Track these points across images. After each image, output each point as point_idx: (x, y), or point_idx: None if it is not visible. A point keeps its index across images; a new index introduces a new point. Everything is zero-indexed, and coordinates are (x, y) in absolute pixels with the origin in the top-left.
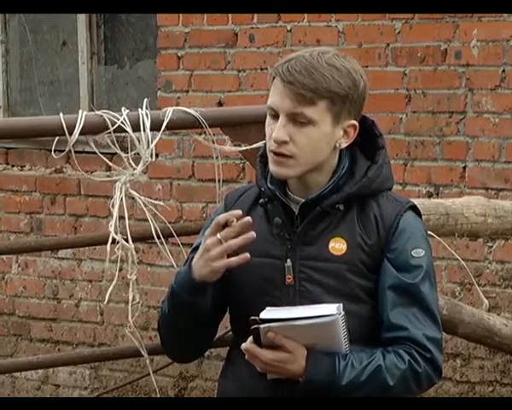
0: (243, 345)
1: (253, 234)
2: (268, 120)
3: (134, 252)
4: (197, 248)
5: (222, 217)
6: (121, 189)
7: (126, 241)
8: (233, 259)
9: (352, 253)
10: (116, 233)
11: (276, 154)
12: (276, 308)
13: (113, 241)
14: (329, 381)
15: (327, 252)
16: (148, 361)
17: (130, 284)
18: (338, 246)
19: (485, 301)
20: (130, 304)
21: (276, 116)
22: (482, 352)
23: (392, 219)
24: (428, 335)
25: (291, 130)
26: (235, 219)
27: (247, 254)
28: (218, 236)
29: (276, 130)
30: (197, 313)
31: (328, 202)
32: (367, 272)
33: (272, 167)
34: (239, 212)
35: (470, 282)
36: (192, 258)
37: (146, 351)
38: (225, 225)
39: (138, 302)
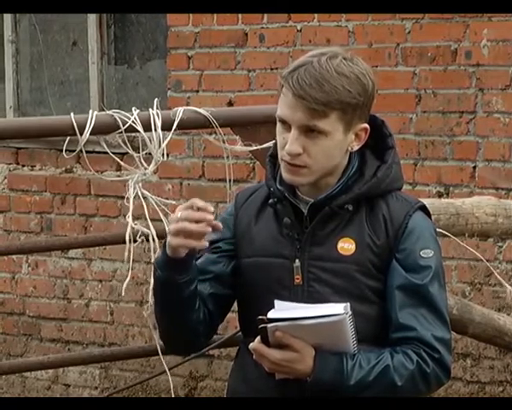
0: (251, 345)
1: (207, 229)
2: (279, 128)
3: (156, 238)
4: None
5: (197, 201)
6: (134, 187)
7: (146, 237)
8: (185, 242)
9: (361, 253)
10: (133, 229)
11: (289, 164)
12: (284, 308)
13: (129, 240)
14: (337, 381)
15: (335, 252)
16: (157, 339)
17: (153, 268)
18: (347, 246)
19: (509, 287)
20: (151, 286)
21: (287, 126)
22: (492, 352)
23: (401, 219)
24: (437, 335)
25: (304, 141)
26: (195, 207)
27: (206, 244)
28: (179, 214)
29: (289, 143)
30: (176, 291)
31: (337, 203)
32: (375, 273)
33: (286, 175)
34: (211, 208)
35: (480, 282)
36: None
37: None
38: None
39: None
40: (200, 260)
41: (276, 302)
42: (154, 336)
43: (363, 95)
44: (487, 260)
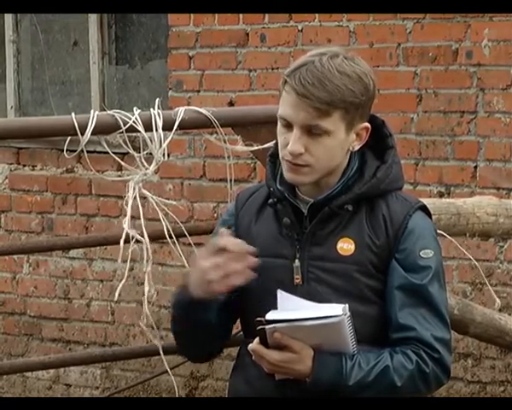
0: (250, 346)
1: (254, 260)
2: (280, 128)
3: (149, 246)
4: None
5: (219, 242)
6: (134, 188)
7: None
8: (236, 280)
9: (361, 253)
10: (128, 235)
11: (291, 163)
12: (286, 300)
13: (127, 240)
14: (336, 381)
15: (335, 252)
16: (160, 347)
17: (146, 277)
18: (346, 246)
19: (498, 300)
20: (145, 295)
21: (288, 125)
22: (493, 352)
23: (401, 219)
24: (436, 335)
25: (306, 141)
26: (231, 246)
27: (251, 274)
28: (216, 260)
29: (291, 143)
30: (201, 325)
31: (336, 203)
32: (375, 273)
33: (287, 174)
34: (236, 241)
35: (481, 282)
36: None
37: (161, 346)
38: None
39: (154, 293)
40: None
41: (279, 293)
42: (153, 338)
43: (365, 94)
44: (488, 260)
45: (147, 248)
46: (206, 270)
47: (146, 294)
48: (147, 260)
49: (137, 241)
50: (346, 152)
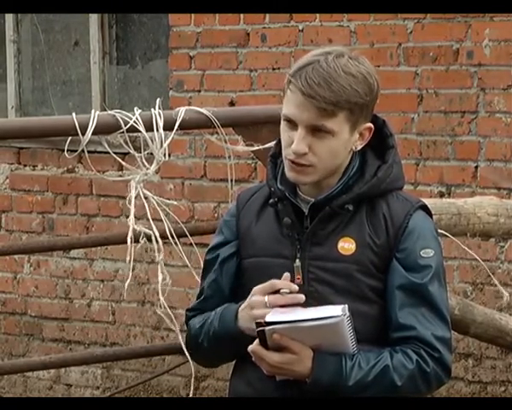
0: (250, 347)
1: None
2: (284, 127)
3: (159, 237)
4: (213, 248)
5: (279, 283)
6: (136, 187)
7: (148, 237)
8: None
9: (361, 253)
10: (135, 231)
11: (294, 163)
12: (282, 310)
13: (132, 239)
14: (336, 381)
15: (336, 252)
16: (179, 335)
17: (159, 267)
18: (347, 246)
19: (506, 293)
20: (159, 284)
21: (293, 124)
22: (494, 352)
23: (402, 218)
24: (437, 334)
25: (310, 141)
26: (288, 290)
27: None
28: (266, 299)
29: (295, 142)
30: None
31: (337, 203)
32: (376, 272)
33: (290, 174)
34: (295, 287)
35: (482, 282)
36: (214, 261)
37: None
38: (278, 290)
39: (169, 281)
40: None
41: (273, 310)
42: (172, 326)
43: (369, 95)
44: (489, 260)
45: (156, 240)
46: (252, 304)
47: (160, 282)
48: (158, 251)
49: (145, 237)
50: (349, 152)
